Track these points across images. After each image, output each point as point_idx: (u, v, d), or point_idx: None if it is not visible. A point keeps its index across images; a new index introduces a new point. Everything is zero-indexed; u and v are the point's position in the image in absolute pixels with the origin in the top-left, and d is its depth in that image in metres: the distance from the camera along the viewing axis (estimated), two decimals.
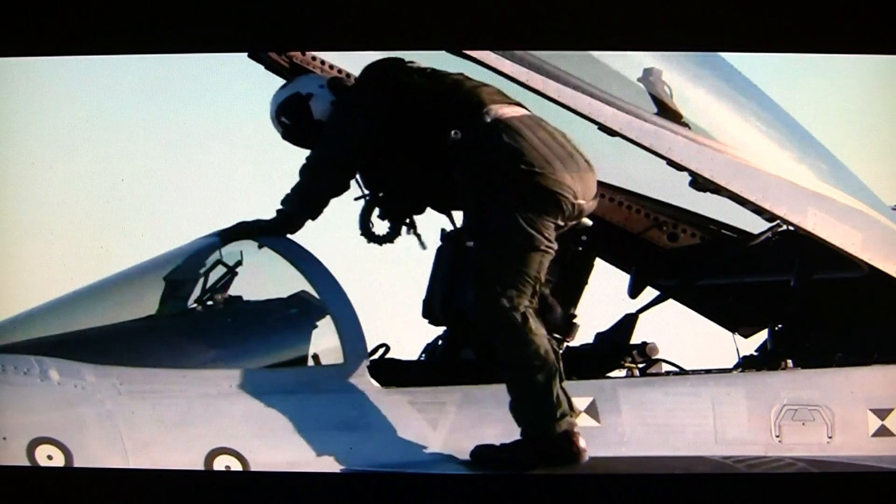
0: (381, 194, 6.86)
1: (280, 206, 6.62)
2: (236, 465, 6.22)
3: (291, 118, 6.85)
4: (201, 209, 7.79)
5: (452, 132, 6.53)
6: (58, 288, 6.74)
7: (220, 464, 6.21)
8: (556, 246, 6.44)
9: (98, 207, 7.68)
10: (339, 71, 7.20)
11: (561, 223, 6.48)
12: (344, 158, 6.69)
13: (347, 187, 6.72)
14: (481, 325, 6.59)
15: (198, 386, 6.29)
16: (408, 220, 6.92)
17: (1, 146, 7.34)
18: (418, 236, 6.95)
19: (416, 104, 6.65)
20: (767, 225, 7.25)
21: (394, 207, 6.89)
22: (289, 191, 6.62)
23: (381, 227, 6.94)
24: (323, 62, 7.10)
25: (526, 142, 6.49)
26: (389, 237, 6.94)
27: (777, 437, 6.68)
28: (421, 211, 6.91)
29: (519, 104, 6.65)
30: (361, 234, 6.90)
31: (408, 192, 6.84)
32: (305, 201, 6.62)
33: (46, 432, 6.10)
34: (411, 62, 6.79)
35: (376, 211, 6.91)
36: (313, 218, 6.63)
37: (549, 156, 6.47)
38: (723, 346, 7.51)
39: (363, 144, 6.67)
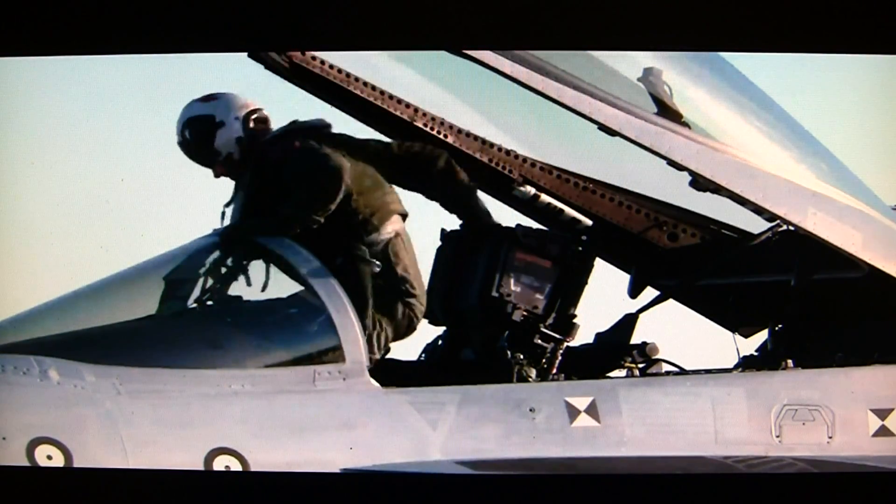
0: None
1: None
2: (236, 465, 6.22)
3: (193, 135, 6.91)
4: (201, 209, 7.78)
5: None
6: (58, 288, 6.74)
7: (220, 464, 6.21)
8: None
9: (98, 207, 7.67)
10: (341, 71, 7.19)
11: None
12: (310, 222, 6.76)
13: None
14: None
15: (197, 386, 6.29)
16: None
17: (1, 146, 7.33)
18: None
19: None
20: (767, 225, 7.25)
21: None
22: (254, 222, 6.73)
23: None
24: (323, 62, 7.09)
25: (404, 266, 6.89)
26: None
27: (777, 437, 6.68)
28: None
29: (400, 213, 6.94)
30: None
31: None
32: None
33: (46, 432, 6.11)
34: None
35: None
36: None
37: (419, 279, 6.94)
38: (723, 346, 7.50)
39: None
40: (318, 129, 6.99)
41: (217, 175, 6.98)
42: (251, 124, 6.96)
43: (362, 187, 6.87)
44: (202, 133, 6.92)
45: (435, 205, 7.23)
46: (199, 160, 6.96)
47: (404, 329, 6.91)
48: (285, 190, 6.78)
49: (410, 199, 7.28)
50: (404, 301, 6.87)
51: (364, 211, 6.86)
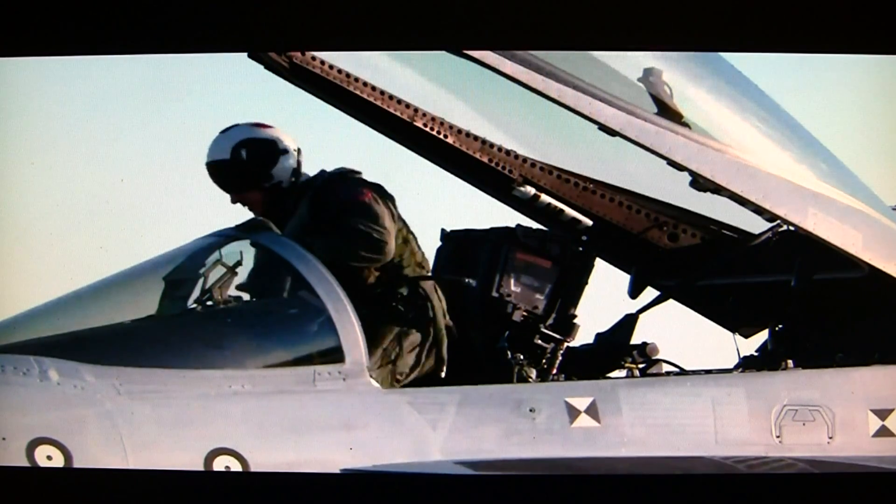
0: None
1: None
2: (236, 466, 6.22)
3: (251, 156, 6.95)
4: (201, 209, 7.78)
5: None
6: (58, 288, 6.74)
7: (220, 464, 6.21)
8: None
9: (98, 207, 7.68)
10: (341, 71, 7.19)
11: None
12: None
13: None
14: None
15: (197, 386, 6.29)
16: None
17: (1, 146, 7.33)
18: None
19: None
20: (768, 225, 7.25)
21: None
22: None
23: None
24: (323, 62, 7.09)
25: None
26: None
27: (777, 437, 6.67)
28: None
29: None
30: None
31: None
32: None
33: (46, 432, 6.10)
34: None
35: None
36: None
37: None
38: (723, 347, 7.51)
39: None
40: (380, 187, 7.02)
41: (236, 201, 7.03)
42: (301, 159, 7.03)
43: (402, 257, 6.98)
44: (264, 156, 6.98)
45: (435, 205, 7.23)
46: (240, 182, 6.97)
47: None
48: (339, 229, 6.83)
49: (411, 200, 7.29)
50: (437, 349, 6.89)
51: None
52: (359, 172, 7.06)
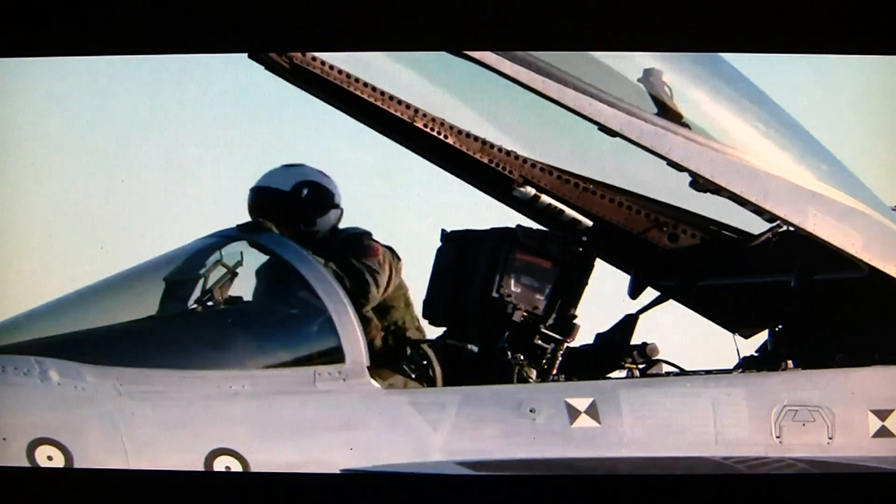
0: None
1: None
2: (236, 466, 6.22)
3: (311, 199, 7.00)
4: (201, 209, 7.79)
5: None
6: (58, 288, 6.74)
7: (220, 464, 6.21)
8: None
9: (98, 207, 7.68)
10: (341, 72, 7.19)
11: None
12: None
13: None
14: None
15: (198, 386, 6.29)
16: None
17: (1, 146, 7.33)
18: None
19: None
20: (768, 226, 7.25)
21: None
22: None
23: None
24: (323, 62, 7.09)
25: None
26: None
27: (777, 437, 6.68)
28: None
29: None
30: None
31: None
32: None
33: (46, 433, 6.11)
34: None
35: None
36: None
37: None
38: (723, 347, 7.51)
39: None
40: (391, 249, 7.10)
41: (261, 225, 7.01)
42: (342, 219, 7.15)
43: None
44: (321, 203, 7.05)
45: (434, 205, 7.24)
46: (285, 215, 6.97)
47: None
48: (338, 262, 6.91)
49: (411, 200, 7.29)
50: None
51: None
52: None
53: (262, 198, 7.00)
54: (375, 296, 6.91)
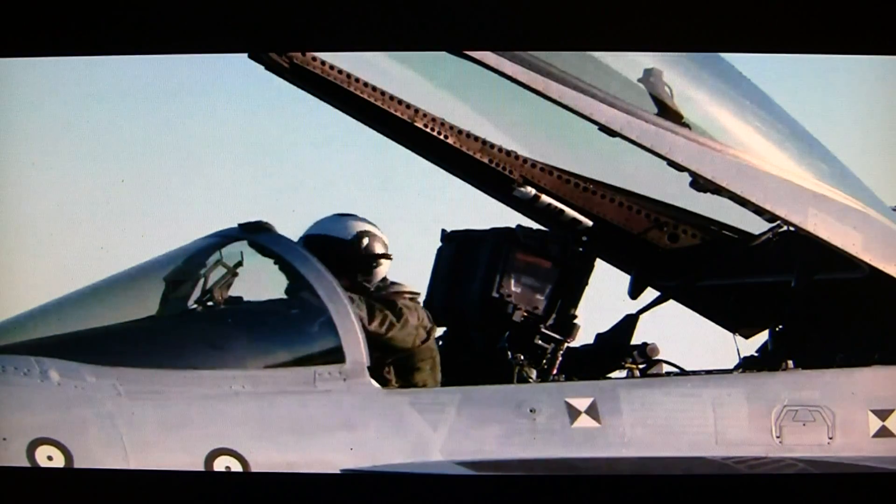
0: None
1: None
2: (236, 466, 6.22)
3: (370, 250, 6.95)
4: (201, 209, 7.79)
5: None
6: (58, 288, 6.74)
7: (221, 464, 6.21)
8: None
9: (98, 207, 7.68)
10: (341, 72, 7.19)
11: None
12: None
13: None
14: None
15: (198, 386, 6.29)
16: None
17: (1, 146, 7.33)
18: None
19: None
20: (768, 226, 7.25)
21: None
22: None
23: None
24: (323, 62, 7.09)
25: None
26: None
27: (777, 437, 6.68)
28: None
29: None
30: None
31: None
32: None
33: (46, 433, 6.10)
34: None
35: None
36: None
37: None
38: (723, 347, 7.51)
39: None
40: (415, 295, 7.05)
41: None
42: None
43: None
44: (377, 253, 6.97)
45: (434, 205, 7.24)
46: (344, 264, 6.89)
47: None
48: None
49: (411, 200, 7.29)
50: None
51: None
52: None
53: (323, 245, 6.90)
54: (394, 324, 6.82)
